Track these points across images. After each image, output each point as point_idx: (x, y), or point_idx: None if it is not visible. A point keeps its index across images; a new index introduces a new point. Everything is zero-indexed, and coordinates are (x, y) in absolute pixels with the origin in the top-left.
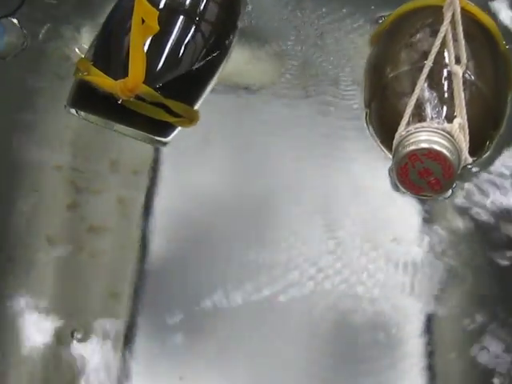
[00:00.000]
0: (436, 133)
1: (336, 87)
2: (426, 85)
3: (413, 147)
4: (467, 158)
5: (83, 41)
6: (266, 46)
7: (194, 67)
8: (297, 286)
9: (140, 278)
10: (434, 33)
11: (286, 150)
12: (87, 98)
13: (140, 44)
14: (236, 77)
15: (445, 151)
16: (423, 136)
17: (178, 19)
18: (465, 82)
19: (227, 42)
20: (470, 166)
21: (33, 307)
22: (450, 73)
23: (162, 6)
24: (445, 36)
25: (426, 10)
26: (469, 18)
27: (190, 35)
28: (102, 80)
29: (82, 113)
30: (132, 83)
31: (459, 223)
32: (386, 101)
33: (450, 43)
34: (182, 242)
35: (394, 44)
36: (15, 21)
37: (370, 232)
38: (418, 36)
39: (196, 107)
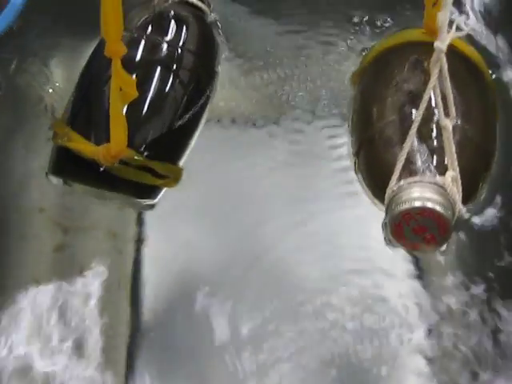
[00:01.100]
0: (428, 188)
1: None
2: (415, 137)
3: (406, 206)
4: (461, 208)
5: (55, 78)
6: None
7: (176, 123)
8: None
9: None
10: (421, 73)
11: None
12: (68, 165)
13: (120, 110)
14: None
15: (438, 208)
16: (416, 192)
17: (154, 75)
18: (454, 128)
19: (208, 90)
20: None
21: None
22: (439, 125)
23: (136, 62)
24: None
25: (410, 46)
26: (451, 52)
27: (168, 91)
28: (82, 146)
29: (64, 180)
30: (115, 150)
31: None
32: (375, 152)
33: (439, 98)
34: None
35: (379, 87)
36: None
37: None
38: (404, 77)
39: (181, 163)
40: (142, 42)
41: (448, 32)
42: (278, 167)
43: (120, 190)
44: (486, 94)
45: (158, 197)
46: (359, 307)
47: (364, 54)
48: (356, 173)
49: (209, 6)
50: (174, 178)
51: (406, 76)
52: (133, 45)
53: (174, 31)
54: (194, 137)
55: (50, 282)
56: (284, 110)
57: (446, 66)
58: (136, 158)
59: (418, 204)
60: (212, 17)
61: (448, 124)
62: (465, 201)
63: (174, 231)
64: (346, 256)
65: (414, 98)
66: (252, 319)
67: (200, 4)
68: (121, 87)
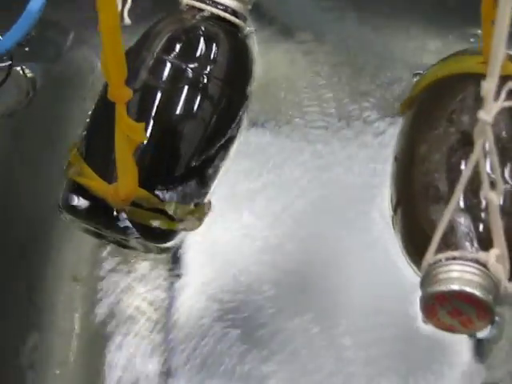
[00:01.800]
0: (469, 266)
1: None
2: (459, 205)
3: (442, 288)
4: (507, 287)
5: None
6: None
7: (198, 159)
8: None
9: None
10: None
11: None
12: (78, 203)
13: (126, 155)
14: None
15: (478, 292)
16: (453, 273)
17: (175, 106)
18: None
19: (237, 119)
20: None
21: None
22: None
23: (157, 90)
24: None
25: (464, 80)
26: None
27: (191, 123)
28: (94, 183)
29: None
30: (123, 192)
31: None
32: (413, 213)
33: (484, 169)
34: None
35: (425, 130)
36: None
37: None
38: (454, 120)
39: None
40: (165, 67)
41: (496, 100)
42: None
43: (132, 235)
44: None
45: (176, 239)
46: None
47: (415, 79)
48: (394, 229)
49: (244, 19)
50: (195, 220)
51: (456, 120)
52: (155, 69)
53: (201, 53)
54: (216, 175)
55: None
56: None
57: (492, 139)
58: (148, 199)
59: (455, 287)
60: (247, 30)
61: (494, 198)
62: None
63: None
64: None
65: (465, 151)
66: None
67: (233, 19)
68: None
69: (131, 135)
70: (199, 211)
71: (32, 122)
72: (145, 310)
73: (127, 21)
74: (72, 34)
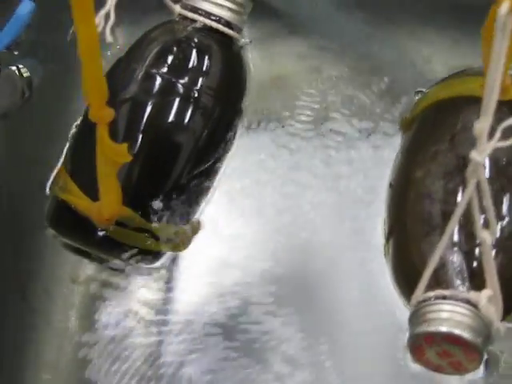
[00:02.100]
0: (459, 307)
1: None
2: (451, 240)
3: (430, 328)
4: (499, 327)
5: None
6: None
7: (186, 178)
8: None
9: None
10: None
11: None
12: (62, 220)
13: (110, 175)
14: None
15: (467, 335)
16: (443, 313)
17: (163, 123)
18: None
19: (228, 137)
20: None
21: None
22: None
23: (145, 105)
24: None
25: (466, 103)
26: None
27: (179, 141)
28: (78, 201)
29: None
30: (107, 213)
31: None
32: (404, 244)
33: (476, 208)
34: None
35: (421, 153)
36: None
37: None
38: (453, 147)
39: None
40: (155, 81)
41: (489, 140)
42: None
43: (117, 255)
44: None
45: (164, 258)
46: None
47: (418, 97)
48: (385, 258)
49: (239, 30)
50: (182, 241)
51: (456, 146)
52: (144, 83)
53: (193, 67)
54: (209, 191)
55: None
56: None
57: (484, 179)
58: (133, 218)
59: (443, 329)
60: (242, 42)
61: (487, 237)
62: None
63: None
64: None
65: (462, 181)
66: None
67: (227, 30)
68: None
69: (114, 157)
70: (187, 232)
71: (28, 122)
72: (143, 314)
73: (109, 39)
74: (70, 32)
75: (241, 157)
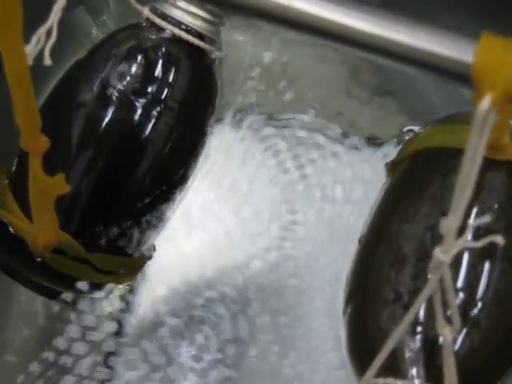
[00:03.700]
0: None
1: None
2: (412, 327)
3: None
4: None
5: None
6: None
7: (135, 208)
8: None
9: None
10: None
11: None
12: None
13: (45, 205)
14: None
15: None
16: None
17: (113, 145)
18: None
19: (186, 167)
20: None
21: None
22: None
23: (99, 123)
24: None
25: (453, 156)
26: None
27: (129, 166)
28: (15, 221)
29: None
30: (42, 241)
31: None
32: (361, 318)
33: (438, 304)
34: None
35: (401, 212)
36: None
37: None
38: (432, 210)
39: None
40: (112, 94)
41: (457, 239)
42: None
43: (54, 284)
44: None
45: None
46: None
47: (407, 138)
48: (343, 322)
49: (212, 42)
50: (126, 274)
51: (438, 206)
52: (99, 95)
53: (154, 82)
54: (163, 221)
55: None
56: None
57: (449, 278)
58: (74, 248)
59: None
60: (216, 55)
61: (448, 335)
62: None
63: None
64: None
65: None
66: None
67: (197, 42)
68: None
69: (48, 190)
70: (132, 264)
71: None
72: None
73: (48, 61)
74: None
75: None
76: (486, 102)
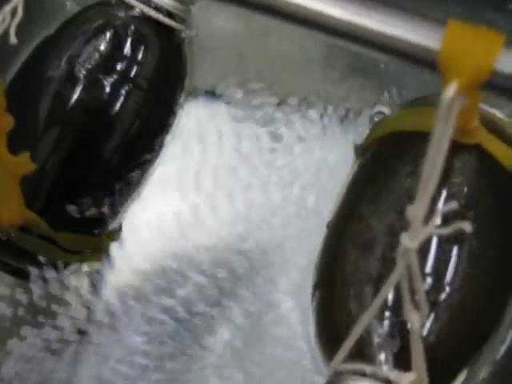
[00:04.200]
0: None
1: None
2: (380, 311)
3: None
4: None
5: None
6: None
7: (101, 186)
8: None
9: None
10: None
11: None
12: None
13: (10, 183)
14: None
15: None
16: None
17: (81, 121)
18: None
19: (153, 145)
20: None
21: None
22: None
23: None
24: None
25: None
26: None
27: (97, 142)
28: None
29: None
30: (6, 220)
31: None
32: (330, 304)
33: (406, 289)
34: None
35: (370, 196)
36: None
37: None
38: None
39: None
40: (80, 70)
41: (424, 225)
42: None
43: (20, 262)
44: None
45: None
46: None
47: (377, 121)
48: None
49: (182, 21)
50: (91, 253)
51: (405, 191)
52: (68, 71)
53: (122, 59)
54: (131, 199)
55: None
56: None
57: (416, 264)
58: (39, 226)
59: None
60: (185, 34)
61: (415, 320)
62: None
63: None
64: None
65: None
66: None
67: (167, 21)
68: None
69: (13, 170)
70: (98, 243)
71: None
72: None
73: (13, 39)
74: None
75: None
76: (451, 89)
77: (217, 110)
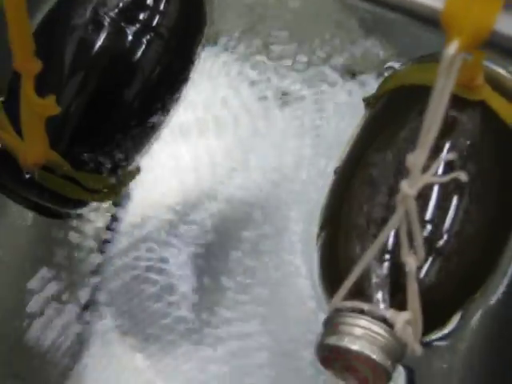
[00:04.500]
0: (375, 325)
1: None
2: (380, 254)
3: (339, 343)
4: (415, 348)
5: None
6: None
7: (122, 130)
8: None
9: None
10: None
11: None
12: None
13: (35, 124)
14: None
15: (376, 357)
16: (356, 329)
17: (104, 66)
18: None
19: (172, 91)
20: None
21: None
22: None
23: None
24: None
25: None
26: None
27: (120, 88)
28: (7, 136)
29: None
30: (31, 158)
31: None
32: (334, 244)
33: (404, 233)
34: None
35: (374, 144)
36: None
37: None
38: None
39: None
40: (104, 20)
41: (423, 174)
42: None
43: (42, 199)
44: None
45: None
46: None
47: (387, 75)
48: (316, 248)
49: None
50: (109, 192)
51: (410, 142)
52: (91, 22)
53: (148, 9)
54: (145, 145)
55: None
56: None
57: (414, 211)
58: (61, 166)
59: (354, 347)
60: None
61: (412, 263)
62: (427, 332)
63: None
64: None
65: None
66: None
67: None
68: None
69: (39, 111)
70: (117, 183)
71: None
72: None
73: None
74: None
75: None
76: (452, 47)
77: (232, 60)
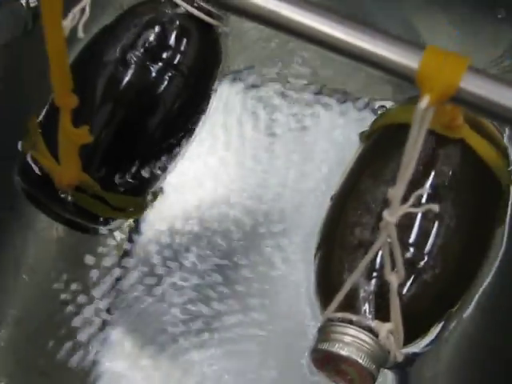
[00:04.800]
0: (362, 333)
1: None
2: (367, 271)
3: (330, 348)
4: (397, 355)
5: None
6: None
7: (147, 156)
8: None
9: None
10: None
11: None
12: (30, 175)
13: (71, 151)
14: None
15: (362, 362)
16: (346, 337)
17: (131, 100)
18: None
19: (191, 122)
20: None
21: None
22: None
23: (118, 83)
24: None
25: None
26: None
27: (145, 118)
28: (44, 161)
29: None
30: (65, 180)
31: None
32: (329, 261)
33: (387, 254)
34: None
35: (368, 176)
36: None
37: None
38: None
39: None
40: (131, 59)
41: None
42: None
43: (75, 216)
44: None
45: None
46: None
47: (380, 113)
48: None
49: (219, 18)
50: (134, 211)
51: (392, 173)
52: (120, 60)
53: (170, 49)
54: (167, 170)
55: None
56: None
57: (395, 236)
58: (92, 187)
59: (343, 353)
60: (222, 30)
61: (393, 281)
62: (408, 341)
63: None
64: None
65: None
66: None
67: (207, 18)
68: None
69: (74, 140)
70: (141, 203)
71: (29, 56)
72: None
73: (81, 34)
74: None
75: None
76: (424, 102)
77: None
